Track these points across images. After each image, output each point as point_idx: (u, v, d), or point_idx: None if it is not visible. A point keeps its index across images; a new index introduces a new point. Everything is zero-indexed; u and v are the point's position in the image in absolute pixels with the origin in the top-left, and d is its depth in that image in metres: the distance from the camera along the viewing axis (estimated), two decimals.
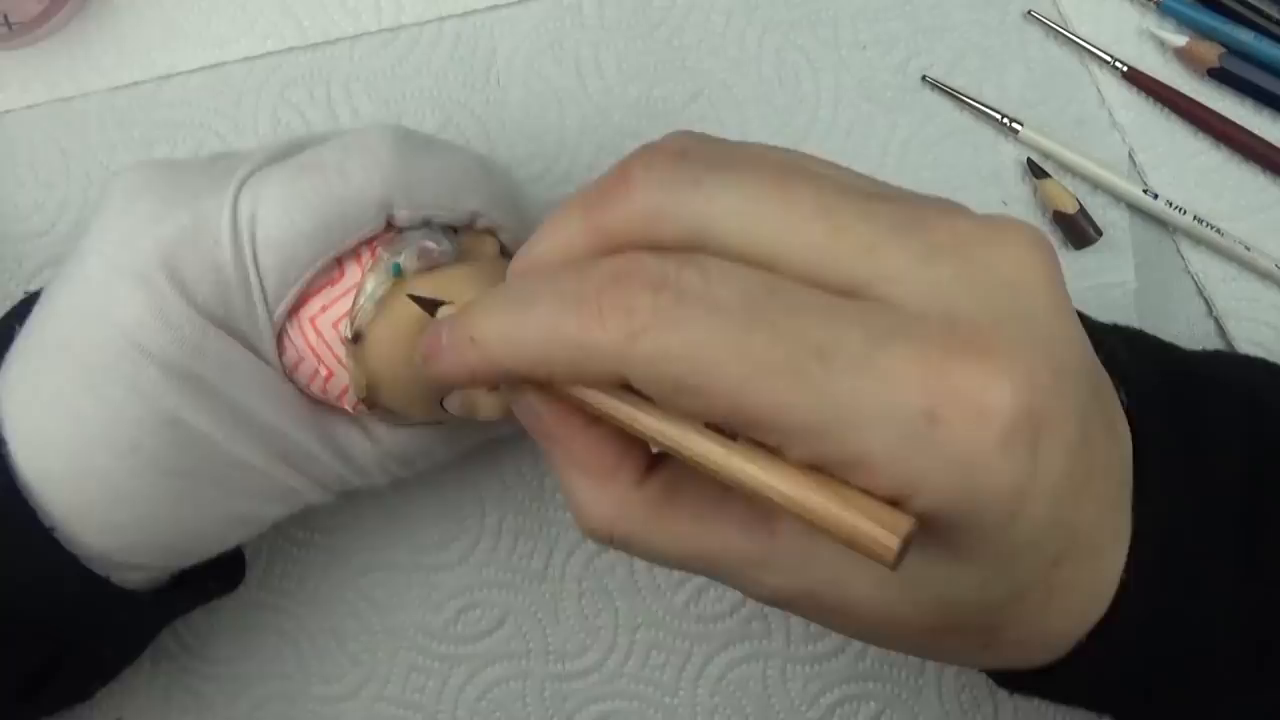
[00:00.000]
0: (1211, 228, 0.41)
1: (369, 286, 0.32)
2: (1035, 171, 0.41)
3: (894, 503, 0.24)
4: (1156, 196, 0.41)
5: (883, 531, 0.23)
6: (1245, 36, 0.40)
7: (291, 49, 0.42)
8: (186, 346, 0.31)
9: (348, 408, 0.33)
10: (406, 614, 0.42)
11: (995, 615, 0.27)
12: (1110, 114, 0.42)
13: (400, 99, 0.42)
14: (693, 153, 0.26)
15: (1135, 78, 0.41)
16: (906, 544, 0.24)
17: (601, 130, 0.42)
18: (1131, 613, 0.28)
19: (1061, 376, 0.24)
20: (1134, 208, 0.42)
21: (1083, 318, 0.33)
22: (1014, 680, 0.31)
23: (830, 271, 0.25)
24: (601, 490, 0.28)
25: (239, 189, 0.31)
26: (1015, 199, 0.42)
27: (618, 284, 0.25)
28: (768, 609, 0.41)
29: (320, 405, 0.34)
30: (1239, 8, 0.41)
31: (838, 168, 0.28)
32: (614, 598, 0.42)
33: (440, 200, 0.32)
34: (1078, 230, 0.41)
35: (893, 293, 0.24)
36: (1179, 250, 0.42)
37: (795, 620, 0.41)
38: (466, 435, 0.37)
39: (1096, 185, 0.42)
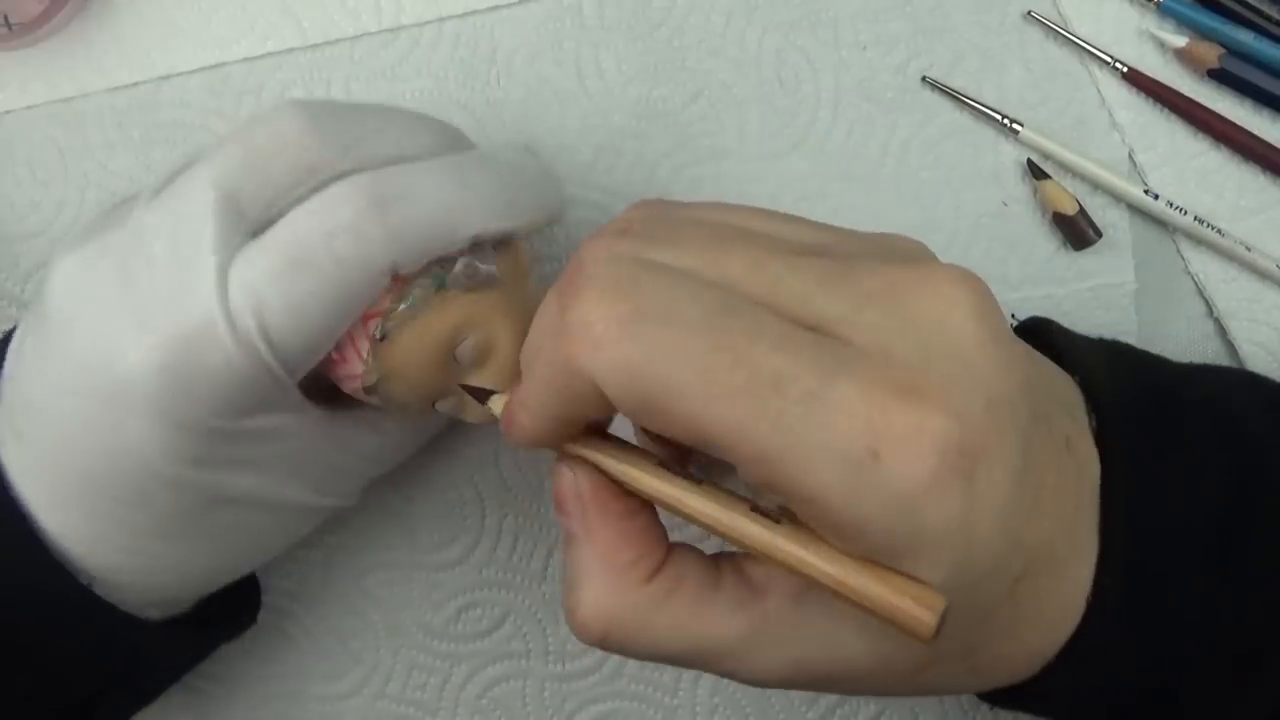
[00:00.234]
0: (1212, 228, 0.41)
1: (411, 295, 0.32)
2: (1035, 172, 0.41)
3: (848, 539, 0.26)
4: (1157, 197, 0.41)
5: (922, 609, 0.25)
6: (1245, 37, 0.40)
7: (291, 49, 0.42)
8: (217, 443, 0.31)
9: (344, 388, 0.33)
10: (407, 613, 0.42)
11: (970, 636, 0.28)
12: (1110, 114, 0.42)
13: (400, 99, 0.42)
14: (634, 229, 0.28)
15: (1135, 78, 0.41)
16: (942, 620, 0.25)
17: (601, 130, 0.42)
18: (1100, 625, 0.29)
19: (994, 406, 0.25)
20: (1134, 208, 0.42)
21: (1067, 334, 0.34)
22: (998, 695, 0.32)
23: (783, 313, 0.26)
24: (612, 584, 0.28)
25: (223, 295, 0.30)
26: (1015, 199, 0.42)
27: (578, 297, 0.26)
28: None
29: (335, 419, 0.34)
30: (1239, 8, 0.41)
31: (786, 221, 0.29)
32: None
33: (436, 245, 0.31)
34: (1078, 231, 0.41)
35: (839, 332, 0.26)
36: (1179, 251, 0.42)
37: None
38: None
39: (1096, 186, 0.42)
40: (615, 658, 0.42)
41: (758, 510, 0.27)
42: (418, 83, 0.42)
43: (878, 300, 0.26)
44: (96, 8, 0.42)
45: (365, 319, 0.32)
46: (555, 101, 0.42)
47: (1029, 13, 0.42)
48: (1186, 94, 0.41)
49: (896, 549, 0.25)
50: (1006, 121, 0.41)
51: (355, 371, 0.32)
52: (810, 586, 0.27)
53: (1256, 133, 0.41)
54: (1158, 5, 0.41)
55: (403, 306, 0.32)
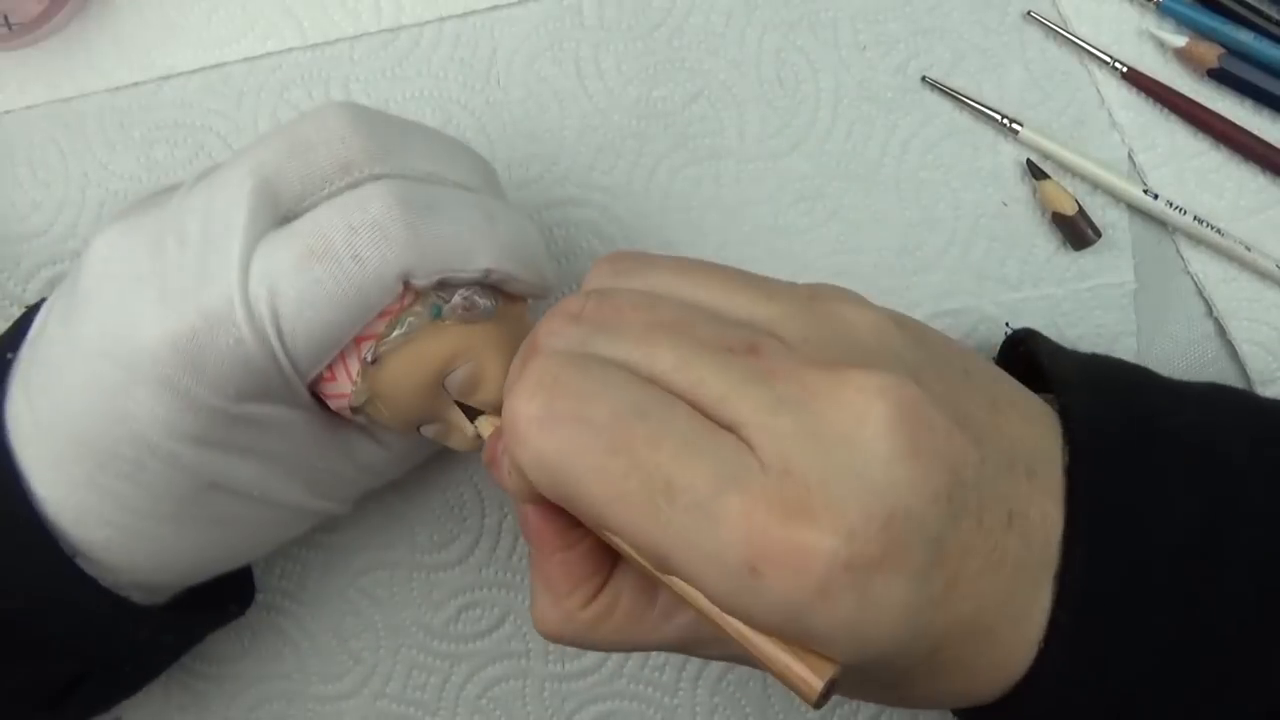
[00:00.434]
0: (1211, 228, 0.41)
1: (406, 321, 0.32)
2: (1035, 172, 0.41)
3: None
4: (1156, 197, 0.41)
5: (810, 676, 0.27)
6: (1245, 37, 0.40)
7: (291, 49, 0.42)
8: (219, 424, 0.31)
9: (331, 405, 0.33)
10: (407, 612, 0.42)
11: (891, 682, 0.30)
12: (1110, 114, 0.42)
13: (400, 99, 0.42)
14: (585, 313, 0.30)
15: (1135, 78, 0.41)
16: (830, 686, 0.27)
17: (601, 130, 0.42)
18: (1053, 660, 0.29)
19: (894, 522, 0.26)
20: (1134, 208, 0.42)
21: (1053, 352, 0.34)
22: (964, 715, 0.33)
23: (702, 410, 0.28)
24: (555, 606, 0.32)
25: (244, 279, 0.30)
26: (1015, 199, 0.42)
27: (512, 391, 0.28)
28: None
29: (338, 424, 0.35)
30: (1239, 8, 0.41)
31: (738, 291, 0.30)
32: None
33: (453, 263, 0.32)
34: (1077, 231, 0.41)
35: (748, 436, 0.27)
36: (1179, 250, 0.42)
37: None
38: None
39: (1096, 185, 0.42)
40: (615, 658, 0.42)
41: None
42: (418, 83, 0.42)
43: (792, 408, 0.27)
44: (96, 8, 0.42)
45: (358, 340, 0.32)
46: (555, 101, 0.42)
47: (1029, 13, 0.42)
48: (1186, 94, 0.41)
49: (788, 639, 0.27)
50: (1006, 121, 0.41)
51: (344, 391, 0.32)
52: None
53: (1256, 133, 0.41)
54: (1157, 5, 0.41)
55: (397, 332, 0.32)
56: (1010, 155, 0.42)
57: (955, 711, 0.33)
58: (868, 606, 0.26)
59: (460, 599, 0.42)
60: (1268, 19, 0.41)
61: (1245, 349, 0.41)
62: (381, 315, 0.32)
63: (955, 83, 0.42)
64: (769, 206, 0.42)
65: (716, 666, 0.42)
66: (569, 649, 0.42)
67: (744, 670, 0.42)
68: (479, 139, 0.42)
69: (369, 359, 0.32)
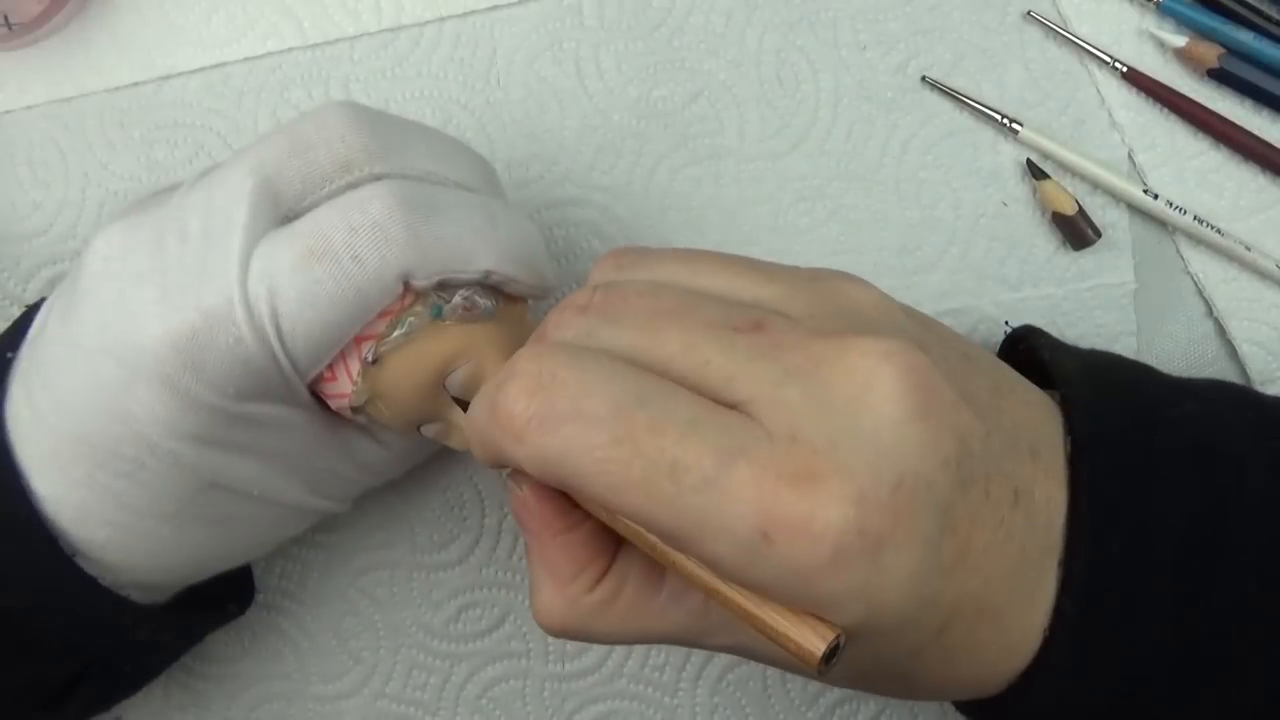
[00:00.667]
0: (1211, 228, 0.41)
1: (406, 321, 0.32)
2: (1035, 172, 0.41)
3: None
4: (1156, 197, 0.41)
5: (815, 639, 0.27)
6: (1245, 37, 0.40)
7: (291, 49, 0.42)
8: (219, 423, 0.31)
9: (331, 405, 0.33)
10: (407, 612, 0.42)
11: (901, 667, 0.29)
12: (1110, 114, 0.42)
13: (400, 99, 0.42)
14: (593, 304, 0.30)
15: (1135, 78, 0.41)
16: (834, 652, 0.27)
17: (601, 130, 0.42)
18: (1057, 650, 0.29)
19: (905, 487, 0.26)
20: (1134, 208, 0.42)
21: (1054, 346, 0.35)
22: (967, 707, 0.33)
23: (708, 393, 0.28)
24: (559, 592, 0.31)
25: (244, 278, 0.30)
26: (1015, 199, 0.42)
27: (503, 387, 0.28)
28: None
29: (338, 423, 0.35)
30: (1239, 8, 0.41)
31: (740, 275, 0.30)
32: None
33: (453, 265, 0.32)
34: (1077, 231, 0.41)
35: (755, 411, 0.27)
36: (1179, 250, 0.42)
37: None
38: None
39: (1096, 185, 0.42)
40: (615, 658, 0.42)
41: None
42: (418, 83, 0.42)
43: (798, 378, 0.27)
44: (96, 8, 0.42)
45: (358, 340, 0.32)
46: (555, 101, 0.42)
47: (1029, 13, 0.42)
48: (1186, 94, 0.41)
49: (799, 606, 0.27)
50: (1006, 121, 0.41)
51: (344, 391, 0.32)
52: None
53: (1256, 133, 0.41)
54: (1157, 5, 0.41)
55: (397, 332, 0.32)
56: (1010, 155, 0.42)
57: (959, 707, 0.33)
58: (878, 571, 0.26)
59: (460, 599, 0.42)
60: (1268, 19, 0.41)
61: (1245, 349, 0.41)
62: (382, 315, 0.32)
63: (955, 83, 0.42)
64: (769, 206, 0.42)
65: (716, 667, 0.42)
66: (569, 649, 0.42)
67: (744, 670, 0.42)
68: (479, 139, 0.42)
69: (369, 359, 0.32)
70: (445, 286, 0.32)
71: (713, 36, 0.42)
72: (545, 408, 0.27)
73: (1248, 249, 0.41)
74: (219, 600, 0.38)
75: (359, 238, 0.30)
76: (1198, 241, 0.42)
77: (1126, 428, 0.31)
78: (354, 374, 0.32)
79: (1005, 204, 0.42)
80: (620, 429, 0.27)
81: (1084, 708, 0.30)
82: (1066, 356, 0.34)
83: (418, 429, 0.34)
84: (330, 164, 0.31)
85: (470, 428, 0.30)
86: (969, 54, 0.42)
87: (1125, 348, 0.42)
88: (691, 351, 0.28)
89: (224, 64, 0.42)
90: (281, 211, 0.31)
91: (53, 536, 0.32)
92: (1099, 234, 0.41)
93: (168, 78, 0.42)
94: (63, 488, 0.32)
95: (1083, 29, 0.42)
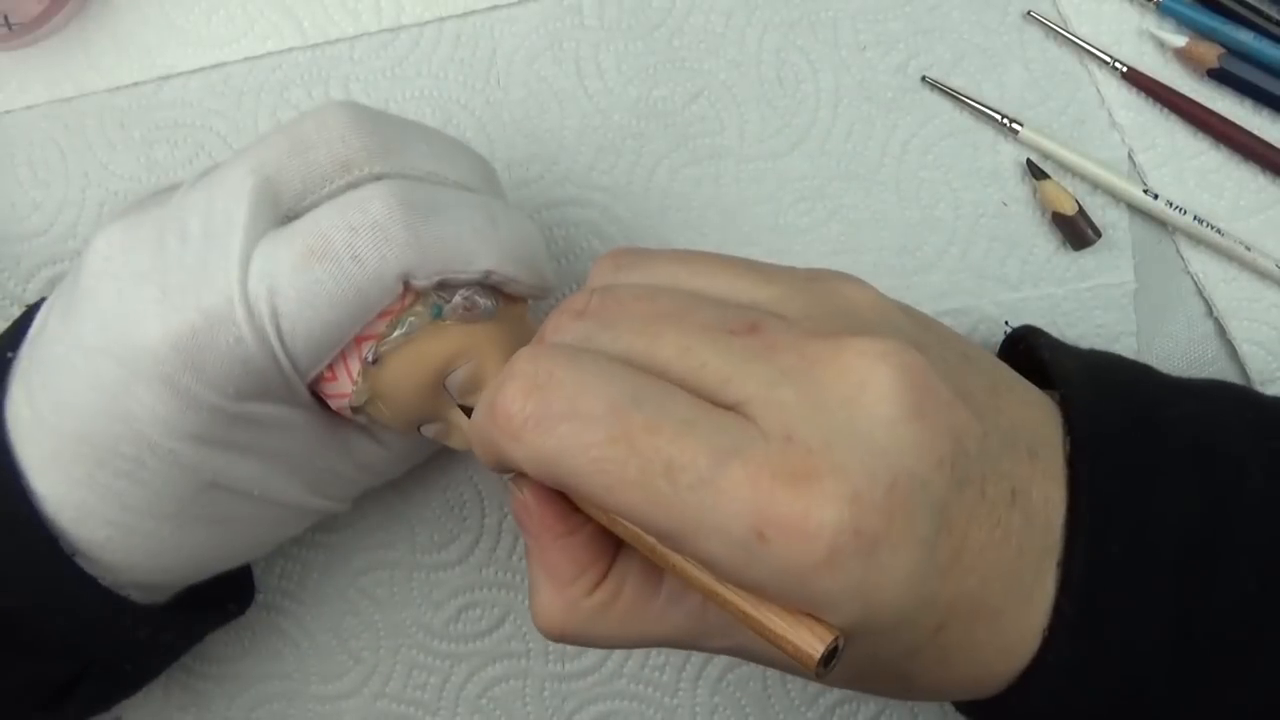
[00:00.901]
0: (1211, 228, 0.41)
1: (406, 321, 0.32)
2: (1035, 172, 0.41)
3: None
4: (1156, 197, 0.41)
5: (813, 641, 0.27)
6: (1245, 37, 0.40)
7: (291, 49, 0.42)
8: (219, 423, 0.31)
9: (331, 405, 0.33)
10: (407, 612, 0.42)
11: (899, 668, 0.29)
12: (1110, 114, 0.42)
13: (400, 99, 0.42)
14: (590, 310, 0.30)
15: (1135, 78, 0.41)
16: (833, 654, 0.27)
17: (601, 130, 0.42)
18: (1056, 651, 0.29)
19: (900, 484, 0.26)
20: (1134, 208, 0.42)
21: (1054, 346, 0.35)
22: (966, 707, 0.33)
23: (705, 395, 0.28)
24: (558, 595, 0.31)
25: (244, 277, 0.30)
26: (1015, 199, 0.42)
27: (502, 388, 0.28)
28: None
29: (338, 423, 0.35)
30: (1239, 8, 0.41)
31: (739, 277, 0.31)
32: None
33: (453, 265, 0.32)
34: (1077, 231, 0.41)
35: (751, 412, 0.27)
36: (1179, 250, 0.42)
37: None
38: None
39: (1096, 185, 0.42)
40: (615, 658, 0.42)
41: None
42: (418, 83, 0.42)
43: (794, 378, 0.27)
44: (96, 8, 0.42)
45: (359, 340, 0.32)
46: (555, 101, 0.42)
47: (1029, 13, 0.42)
48: (1186, 94, 0.41)
49: (795, 606, 0.27)
50: (1006, 121, 0.41)
51: (344, 391, 0.33)
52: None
53: (1256, 133, 0.41)
54: (1157, 5, 0.41)
55: (397, 332, 0.32)
56: (1010, 155, 0.42)
57: (959, 707, 0.33)
58: (874, 571, 0.26)
59: (460, 599, 0.42)
60: (1268, 19, 0.41)
61: (1245, 349, 0.41)
62: (382, 315, 0.32)
63: (955, 83, 0.42)
64: (769, 206, 0.42)
65: (716, 667, 0.42)
66: (569, 649, 0.42)
67: (744, 670, 0.42)
68: (479, 139, 0.42)
69: (369, 359, 0.32)
70: (445, 286, 0.32)
71: (713, 36, 0.42)
72: (542, 407, 0.28)
73: (1248, 249, 0.41)
74: (219, 600, 0.38)
75: (359, 237, 0.30)
76: (1198, 241, 0.42)
77: (1126, 428, 0.31)
78: (354, 374, 0.32)
79: (1005, 204, 0.42)
80: (616, 428, 0.27)
81: (1083, 708, 0.30)
82: (1066, 356, 0.34)
83: (418, 429, 0.34)
84: (330, 164, 0.32)
85: (472, 431, 0.30)
86: (969, 54, 0.42)
87: (1125, 348, 0.42)
88: (688, 354, 0.28)
89: (224, 64, 0.42)
90: (282, 211, 0.31)
91: (53, 536, 0.32)
92: (1099, 234, 0.41)
93: (168, 78, 0.42)
94: (63, 487, 0.32)
95: (1083, 29, 0.42)
